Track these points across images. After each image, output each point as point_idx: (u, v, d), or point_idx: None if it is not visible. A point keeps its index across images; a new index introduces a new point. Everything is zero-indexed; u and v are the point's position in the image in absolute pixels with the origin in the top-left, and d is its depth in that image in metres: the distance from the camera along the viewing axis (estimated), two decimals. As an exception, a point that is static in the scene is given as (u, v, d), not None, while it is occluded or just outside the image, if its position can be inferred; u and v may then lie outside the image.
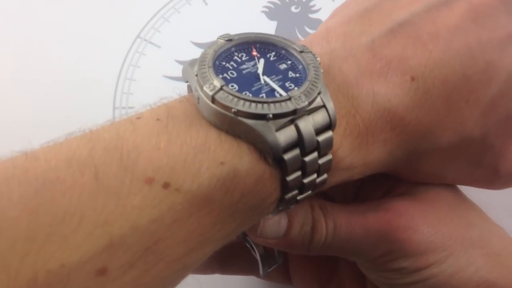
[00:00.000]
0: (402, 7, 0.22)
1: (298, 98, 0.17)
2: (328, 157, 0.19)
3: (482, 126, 0.21)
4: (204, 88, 0.17)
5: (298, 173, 0.18)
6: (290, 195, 0.19)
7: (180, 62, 0.41)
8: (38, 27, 0.41)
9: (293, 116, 0.17)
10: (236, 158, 0.17)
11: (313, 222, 0.22)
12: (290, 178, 0.18)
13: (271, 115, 0.17)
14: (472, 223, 0.23)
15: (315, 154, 0.18)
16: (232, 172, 0.17)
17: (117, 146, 0.16)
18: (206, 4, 0.43)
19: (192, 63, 0.19)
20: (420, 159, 0.21)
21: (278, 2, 0.43)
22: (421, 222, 0.22)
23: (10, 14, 0.42)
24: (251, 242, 0.25)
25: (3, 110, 0.38)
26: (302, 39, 0.42)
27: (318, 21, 0.43)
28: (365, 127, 0.20)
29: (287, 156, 0.17)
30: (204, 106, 0.18)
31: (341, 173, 0.20)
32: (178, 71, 0.40)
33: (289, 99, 0.17)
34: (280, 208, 0.19)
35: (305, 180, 0.19)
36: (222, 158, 0.16)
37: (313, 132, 0.18)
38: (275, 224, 0.21)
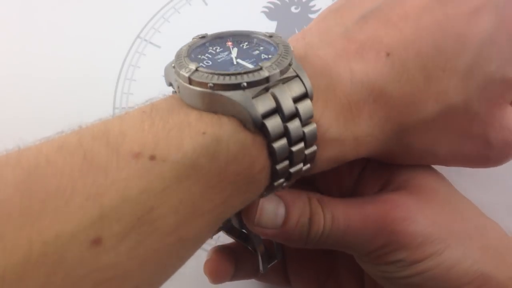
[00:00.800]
0: (371, 0, 0.23)
1: (269, 67, 0.19)
2: (312, 125, 0.19)
3: (462, 93, 0.21)
4: (181, 72, 0.19)
5: (284, 141, 0.19)
6: (281, 166, 0.19)
7: (180, 62, 0.41)
8: (38, 27, 0.41)
9: (267, 84, 0.18)
10: (216, 127, 0.18)
11: (310, 213, 0.22)
12: (276, 145, 0.18)
13: (245, 84, 0.18)
14: (467, 217, 0.23)
15: (297, 122, 0.19)
16: (215, 140, 0.17)
17: (104, 134, 0.17)
18: (206, 4, 0.43)
19: (170, 63, 0.20)
20: (410, 134, 0.22)
21: (278, 2, 0.43)
22: (418, 215, 0.22)
23: (10, 14, 0.42)
24: (252, 238, 0.25)
25: (3, 110, 0.38)
26: (302, 39, 0.42)
27: (318, 21, 0.43)
28: (346, 100, 0.21)
29: (267, 122, 0.18)
30: (183, 91, 0.19)
31: (332, 145, 0.20)
32: (178, 71, 0.40)
33: (261, 68, 0.19)
34: (275, 184, 0.20)
35: (293, 149, 0.19)
36: (203, 129, 0.17)
37: (290, 99, 0.19)
38: (272, 213, 0.21)
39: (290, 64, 0.19)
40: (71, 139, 0.17)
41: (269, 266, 0.26)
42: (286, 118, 0.19)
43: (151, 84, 0.40)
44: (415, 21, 0.22)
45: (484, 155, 0.23)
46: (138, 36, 0.42)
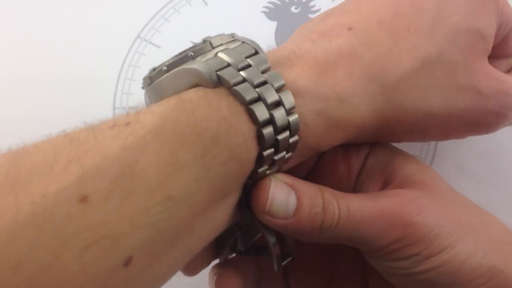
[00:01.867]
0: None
1: (214, 37, 0.21)
2: (274, 72, 0.20)
3: (432, 46, 0.22)
4: (142, 83, 0.22)
5: (254, 95, 0.19)
6: (266, 131, 0.19)
7: (180, 62, 0.41)
8: (37, 27, 0.41)
9: (213, 49, 0.20)
10: (179, 96, 0.19)
11: (324, 204, 0.21)
12: (237, 88, 0.19)
13: (191, 53, 0.20)
14: (471, 211, 0.23)
15: (254, 70, 0.20)
16: (180, 100, 0.19)
17: (87, 128, 0.18)
18: (206, 4, 0.43)
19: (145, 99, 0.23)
20: (397, 91, 0.22)
21: (278, 3, 0.43)
22: (430, 208, 0.21)
23: (10, 14, 0.42)
24: (266, 235, 0.24)
25: (2, 110, 0.38)
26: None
27: (318, 21, 0.43)
28: (315, 61, 0.21)
29: (220, 72, 0.19)
30: (150, 93, 0.22)
31: (313, 100, 0.21)
32: (178, 71, 0.40)
33: (204, 42, 0.21)
34: (259, 171, 0.20)
35: (269, 100, 0.19)
36: (168, 99, 0.19)
37: (239, 52, 0.20)
38: (283, 201, 0.21)
39: (233, 36, 0.21)
40: (58, 137, 0.18)
41: (283, 263, 0.25)
42: (239, 68, 0.20)
43: (151, 84, 0.40)
44: (370, 3, 0.24)
45: (482, 107, 0.24)
46: (138, 36, 0.42)
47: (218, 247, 0.26)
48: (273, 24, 0.42)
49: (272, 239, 0.24)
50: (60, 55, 0.40)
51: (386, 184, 0.24)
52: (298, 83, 0.21)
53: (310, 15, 0.43)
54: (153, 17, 0.42)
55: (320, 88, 0.21)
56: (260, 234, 0.26)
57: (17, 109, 0.38)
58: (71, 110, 0.38)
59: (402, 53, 0.22)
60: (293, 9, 0.43)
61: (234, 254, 0.27)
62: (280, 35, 0.42)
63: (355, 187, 0.26)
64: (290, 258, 0.26)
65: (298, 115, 0.20)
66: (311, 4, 0.44)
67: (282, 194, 0.21)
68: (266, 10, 0.43)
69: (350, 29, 0.23)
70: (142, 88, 0.22)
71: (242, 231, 0.25)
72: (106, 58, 0.40)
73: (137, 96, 0.39)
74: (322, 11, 0.44)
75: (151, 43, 0.41)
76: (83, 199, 0.15)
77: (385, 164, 0.24)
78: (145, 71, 0.40)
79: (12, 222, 0.14)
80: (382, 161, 0.25)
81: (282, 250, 0.25)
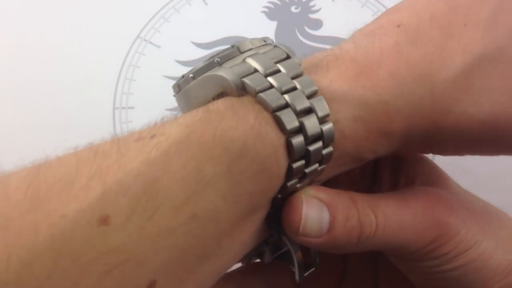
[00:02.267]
0: None
1: (241, 42, 0.20)
2: (306, 77, 0.19)
3: (492, 41, 0.20)
4: (172, 90, 0.21)
5: (281, 101, 0.18)
6: (296, 140, 0.18)
7: (180, 62, 0.41)
8: (37, 27, 0.41)
9: (241, 54, 0.19)
10: (207, 106, 0.18)
11: (359, 215, 0.20)
12: (263, 94, 0.18)
13: (218, 59, 0.19)
14: (486, 207, 0.23)
15: (283, 75, 0.18)
16: (207, 111, 0.17)
17: (112, 140, 0.17)
18: (206, 4, 0.43)
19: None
20: (447, 94, 0.19)
21: (278, 2, 0.43)
22: (457, 207, 0.21)
23: (10, 15, 0.42)
24: (290, 247, 0.23)
25: (3, 110, 0.38)
26: (302, 39, 0.42)
27: (318, 21, 0.43)
28: (353, 62, 0.20)
29: (246, 78, 0.18)
30: (179, 102, 0.21)
31: (350, 105, 0.19)
32: (178, 71, 0.40)
33: (232, 46, 0.19)
34: (288, 184, 0.19)
35: (298, 107, 0.18)
36: (196, 110, 0.18)
37: (268, 57, 0.19)
38: (317, 219, 0.20)
39: (265, 41, 0.20)
40: (83, 150, 0.17)
41: (306, 274, 0.24)
42: (267, 74, 0.18)
43: (151, 84, 0.40)
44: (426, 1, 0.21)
45: None
46: (138, 36, 0.41)
47: (242, 260, 0.25)
48: (273, 24, 0.42)
49: (297, 252, 0.23)
50: (60, 55, 0.40)
51: (405, 179, 0.24)
52: (333, 87, 0.19)
53: (310, 15, 0.43)
54: (153, 17, 0.42)
55: (358, 91, 0.19)
56: (287, 248, 0.25)
57: (17, 108, 0.38)
58: (72, 109, 0.38)
59: (456, 51, 0.19)
60: (293, 9, 0.43)
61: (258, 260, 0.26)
62: (280, 35, 0.42)
63: (371, 184, 0.25)
64: (313, 269, 0.25)
65: (333, 122, 0.19)
66: (311, 4, 0.44)
67: (315, 213, 0.20)
68: (266, 10, 0.43)
69: (398, 26, 0.20)
70: (174, 96, 0.21)
71: (269, 246, 0.24)
72: (106, 58, 0.40)
73: (137, 96, 0.39)
74: (322, 11, 0.44)
75: (151, 43, 0.41)
76: (104, 220, 0.14)
77: (398, 158, 0.24)
78: (145, 71, 0.40)
79: (31, 246, 0.13)
80: (395, 156, 0.24)
81: (305, 261, 0.24)
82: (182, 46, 0.41)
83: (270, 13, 0.43)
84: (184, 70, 0.40)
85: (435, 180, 0.23)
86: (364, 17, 0.43)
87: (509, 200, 0.30)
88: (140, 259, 0.15)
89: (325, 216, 0.20)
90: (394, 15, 0.21)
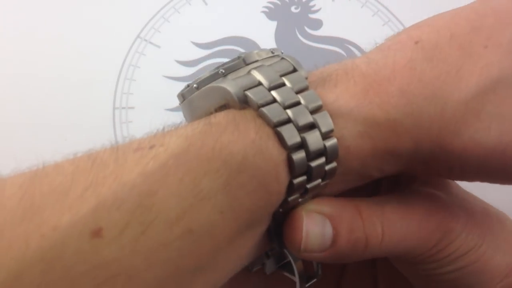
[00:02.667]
0: None
1: (248, 53, 0.19)
2: (310, 91, 0.18)
3: (511, 65, 0.19)
4: (178, 99, 0.20)
5: (283, 116, 0.18)
6: (297, 156, 0.17)
7: (180, 62, 0.41)
8: (38, 27, 0.41)
9: (246, 65, 0.19)
10: (208, 118, 0.18)
11: (364, 226, 0.19)
12: (265, 109, 0.17)
13: (222, 70, 0.19)
14: (486, 208, 0.23)
15: (287, 89, 0.18)
16: (208, 124, 0.17)
17: (111, 149, 0.16)
18: (206, 4, 0.43)
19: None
20: (458, 117, 0.18)
21: (278, 2, 0.43)
22: (457, 210, 0.21)
23: (9, 14, 0.42)
24: (290, 259, 0.23)
25: (3, 110, 0.38)
26: (302, 39, 0.42)
27: (318, 21, 0.43)
28: (363, 77, 0.19)
29: (249, 91, 0.18)
30: (184, 111, 0.20)
31: (356, 121, 0.18)
32: (178, 71, 0.40)
33: (238, 58, 0.19)
34: (289, 199, 0.18)
35: (300, 122, 0.18)
36: (198, 122, 0.17)
37: (275, 73, 0.18)
38: (319, 235, 0.19)
39: (272, 52, 0.19)
40: (81, 158, 0.16)
41: (307, 285, 0.24)
42: (271, 87, 0.18)
43: (151, 84, 0.40)
44: (450, 15, 0.20)
45: None
46: (138, 36, 0.42)
47: (245, 269, 0.25)
48: (273, 24, 0.42)
49: (298, 265, 0.23)
50: (60, 55, 0.40)
51: (405, 179, 0.23)
52: (339, 103, 0.18)
53: (310, 15, 0.43)
54: (153, 17, 0.42)
55: (365, 107, 0.18)
56: (288, 260, 0.25)
57: (17, 108, 0.38)
58: (71, 109, 0.38)
59: (472, 72, 0.18)
60: (293, 9, 0.43)
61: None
62: (280, 35, 0.42)
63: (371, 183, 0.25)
64: (314, 280, 0.24)
65: (338, 138, 0.18)
66: (311, 4, 0.44)
67: (316, 228, 0.19)
68: (266, 10, 0.43)
69: (417, 42, 0.19)
70: (179, 104, 0.21)
71: (271, 259, 0.24)
72: (106, 58, 0.40)
73: (137, 96, 0.39)
74: (322, 11, 0.44)
75: (151, 43, 0.41)
76: (97, 232, 0.14)
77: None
78: (145, 71, 0.40)
79: (21, 258, 0.13)
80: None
81: (307, 271, 0.24)
82: (182, 46, 0.41)
83: (270, 13, 0.43)
84: (184, 70, 0.40)
85: (435, 180, 0.23)
86: (364, 17, 0.43)
87: (509, 200, 0.30)
88: (132, 274, 0.14)
89: (328, 230, 0.19)
90: (415, 31, 0.20)
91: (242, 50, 0.41)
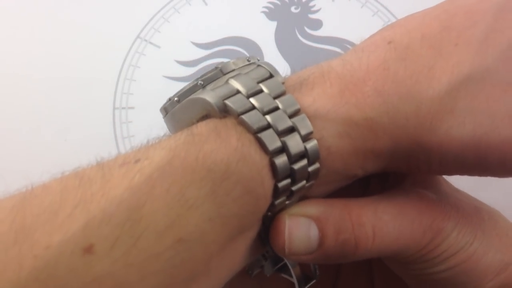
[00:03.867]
0: None
1: (224, 63, 0.20)
2: (288, 96, 0.19)
3: (482, 63, 0.19)
4: (161, 113, 0.21)
5: (262, 123, 0.18)
6: (279, 160, 0.18)
7: (180, 63, 0.41)
8: (37, 27, 0.42)
9: (224, 75, 0.19)
10: (190, 129, 0.18)
11: (353, 227, 0.19)
12: (244, 116, 0.18)
13: (201, 82, 0.19)
14: (478, 206, 0.23)
15: (265, 96, 0.19)
16: (190, 134, 0.18)
17: (97, 165, 0.17)
18: (206, 4, 0.43)
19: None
20: (432, 114, 0.19)
21: (278, 3, 0.43)
22: (448, 209, 0.21)
23: (9, 14, 0.42)
24: (287, 262, 0.23)
25: (3, 110, 0.38)
26: (302, 39, 0.42)
27: (318, 22, 0.43)
28: (338, 78, 0.19)
29: (228, 100, 0.18)
30: (167, 124, 0.21)
31: (335, 122, 0.19)
32: (178, 71, 0.40)
33: (215, 68, 0.20)
34: (276, 203, 0.18)
35: (280, 127, 0.18)
36: (180, 133, 0.18)
37: (250, 78, 0.19)
38: (303, 237, 0.19)
39: (248, 60, 0.20)
40: (69, 178, 0.17)
41: (306, 287, 0.24)
42: (249, 94, 0.18)
43: (151, 84, 0.40)
44: (421, 16, 0.21)
45: None
46: (138, 36, 0.42)
47: (246, 272, 0.25)
48: (273, 24, 0.42)
49: (295, 268, 0.23)
50: (60, 55, 0.40)
51: (394, 178, 0.23)
52: (316, 105, 0.19)
53: (310, 15, 0.43)
54: (153, 17, 0.42)
55: (342, 108, 0.19)
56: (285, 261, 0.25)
57: (17, 108, 0.38)
58: (71, 109, 0.38)
59: (444, 70, 0.19)
60: (293, 9, 0.43)
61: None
62: (279, 35, 0.42)
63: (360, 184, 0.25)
64: (313, 281, 0.24)
65: (318, 140, 0.18)
66: (311, 4, 0.44)
67: (300, 231, 0.19)
68: (266, 10, 0.43)
69: (389, 42, 0.20)
70: (163, 118, 0.22)
71: (268, 261, 0.24)
72: (106, 58, 0.40)
73: (137, 96, 0.39)
74: (322, 11, 0.44)
75: (151, 43, 0.41)
76: (88, 249, 0.14)
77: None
78: (145, 71, 0.40)
79: (15, 280, 0.13)
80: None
81: (305, 273, 0.24)
82: (182, 46, 0.41)
83: (270, 13, 0.43)
84: (184, 70, 0.41)
85: (425, 178, 0.23)
86: (364, 17, 0.43)
87: (509, 200, 0.30)
88: (126, 287, 0.15)
89: (314, 232, 0.19)
90: (387, 32, 0.21)
91: (242, 51, 0.41)
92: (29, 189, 0.16)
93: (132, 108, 0.39)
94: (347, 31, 0.43)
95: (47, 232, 0.14)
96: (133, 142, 0.38)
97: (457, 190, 0.23)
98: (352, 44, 0.42)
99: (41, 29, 0.41)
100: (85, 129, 0.37)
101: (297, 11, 0.43)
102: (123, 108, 0.39)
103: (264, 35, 0.42)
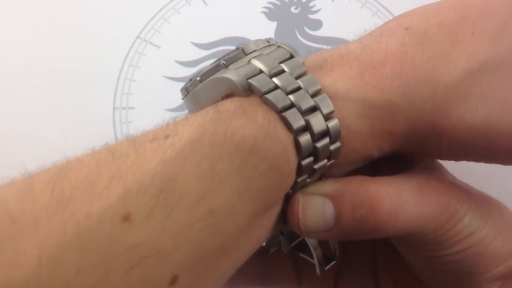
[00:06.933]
0: None
1: (246, 44, 0.20)
2: (309, 76, 0.19)
3: (497, 51, 0.20)
4: (181, 94, 0.21)
5: (286, 102, 0.18)
6: (303, 138, 0.18)
7: (180, 63, 0.41)
8: (37, 27, 0.42)
9: (246, 55, 0.20)
10: (216, 106, 0.18)
11: (372, 201, 0.19)
12: (269, 95, 0.18)
13: (224, 62, 0.20)
14: (485, 195, 0.23)
15: (287, 75, 0.19)
16: (218, 112, 0.18)
17: (128, 140, 0.18)
18: (206, 4, 0.43)
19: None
20: (448, 98, 0.20)
21: (278, 3, 0.43)
22: (462, 192, 0.21)
23: (9, 14, 0.42)
24: (307, 242, 0.23)
25: (3, 110, 0.38)
26: (302, 39, 0.42)
27: (318, 22, 0.43)
28: (358, 61, 0.20)
29: (252, 80, 0.19)
30: (187, 105, 0.21)
31: (355, 102, 0.19)
32: (178, 71, 0.40)
33: (237, 49, 0.20)
34: (298, 181, 0.19)
35: (303, 106, 0.18)
36: (206, 110, 0.18)
37: (272, 58, 0.19)
38: (318, 215, 0.20)
39: (268, 41, 0.20)
40: (101, 152, 0.17)
41: (327, 268, 0.24)
42: (272, 74, 0.19)
43: (151, 85, 0.40)
44: (437, 5, 0.22)
45: None
46: (138, 37, 0.42)
47: (259, 251, 0.26)
48: (273, 24, 0.42)
49: (314, 244, 0.23)
50: (60, 55, 0.40)
51: (404, 165, 0.23)
52: (337, 85, 0.19)
53: (310, 16, 0.43)
54: (153, 17, 0.42)
55: (362, 88, 0.19)
56: (301, 238, 0.25)
57: (18, 108, 0.38)
58: (71, 109, 0.38)
59: (460, 57, 0.20)
60: (293, 9, 0.43)
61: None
62: (280, 36, 0.42)
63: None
64: (333, 262, 0.24)
65: (339, 119, 0.19)
66: (311, 4, 0.44)
67: (315, 209, 0.20)
68: (266, 10, 0.43)
69: (407, 28, 0.21)
70: (182, 99, 0.22)
71: (285, 236, 0.24)
72: (106, 58, 0.40)
73: (137, 96, 0.39)
74: (322, 11, 0.44)
75: (151, 43, 0.41)
76: (126, 217, 0.15)
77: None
78: (145, 71, 0.40)
79: (59, 244, 0.14)
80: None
81: (325, 253, 0.24)
82: (182, 47, 0.41)
83: (270, 14, 0.43)
84: (184, 70, 0.41)
85: (434, 166, 0.23)
86: (363, 17, 0.43)
87: (509, 200, 0.30)
88: (162, 254, 0.15)
89: (329, 209, 0.20)
90: (404, 19, 0.22)
91: (242, 51, 0.41)
92: (64, 162, 0.16)
93: (132, 108, 0.39)
94: (347, 31, 0.43)
95: (86, 202, 0.15)
96: (133, 142, 0.38)
97: (459, 180, 0.24)
98: (352, 44, 0.42)
99: (41, 29, 0.41)
100: (85, 129, 0.37)
101: (297, 11, 0.43)
102: (123, 108, 0.39)
103: (264, 36, 0.42)
